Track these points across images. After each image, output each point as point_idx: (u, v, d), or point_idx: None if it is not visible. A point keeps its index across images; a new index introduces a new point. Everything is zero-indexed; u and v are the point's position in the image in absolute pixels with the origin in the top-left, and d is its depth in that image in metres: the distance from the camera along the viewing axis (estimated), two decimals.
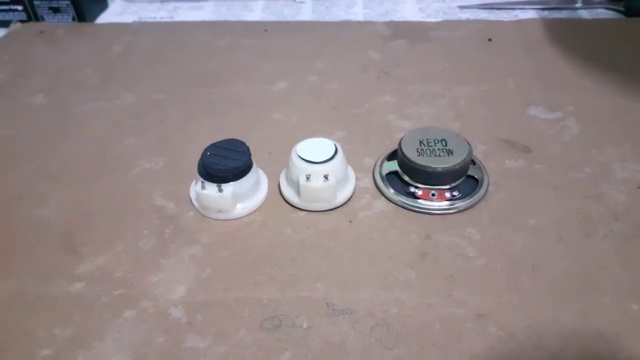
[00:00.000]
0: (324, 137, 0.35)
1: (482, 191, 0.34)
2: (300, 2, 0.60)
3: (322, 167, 0.33)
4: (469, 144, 0.34)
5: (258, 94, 0.45)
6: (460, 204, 0.33)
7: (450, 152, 0.33)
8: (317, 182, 0.32)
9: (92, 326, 0.28)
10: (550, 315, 0.28)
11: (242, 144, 0.34)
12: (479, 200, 0.34)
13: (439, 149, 0.34)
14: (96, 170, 0.38)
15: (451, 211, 0.33)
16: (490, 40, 0.50)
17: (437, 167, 0.33)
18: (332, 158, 0.33)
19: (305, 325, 0.28)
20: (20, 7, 0.57)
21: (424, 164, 0.33)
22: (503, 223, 0.33)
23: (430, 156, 0.33)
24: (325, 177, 0.32)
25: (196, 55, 0.51)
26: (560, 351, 0.26)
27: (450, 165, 0.33)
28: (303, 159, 0.33)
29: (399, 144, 0.34)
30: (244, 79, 0.47)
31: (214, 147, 0.34)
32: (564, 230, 0.32)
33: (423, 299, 0.29)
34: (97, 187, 0.36)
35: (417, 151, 0.34)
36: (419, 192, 0.33)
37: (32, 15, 0.57)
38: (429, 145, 0.34)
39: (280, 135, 0.40)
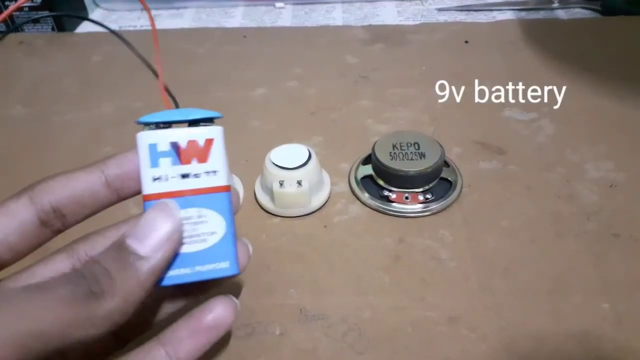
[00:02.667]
0: (301, 142, 0.35)
1: (455, 193, 0.34)
2: (280, 8, 0.60)
3: (296, 173, 0.33)
4: (442, 147, 0.34)
5: (237, 100, 0.45)
6: (433, 206, 0.33)
7: (422, 155, 0.33)
8: (290, 188, 0.32)
9: None
10: (522, 316, 0.28)
11: None
12: (453, 203, 0.34)
13: (411, 153, 0.34)
14: None
15: (425, 214, 0.33)
16: (467, 42, 0.51)
17: (410, 171, 0.33)
18: (305, 164, 0.33)
19: (277, 332, 0.28)
20: None
21: (396, 167, 0.33)
22: (476, 225, 0.33)
23: (403, 160, 0.33)
24: (299, 182, 0.33)
25: (176, 62, 0.51)
26: (532, 352, 0.27)
27: (423, 168, 0.33)
28: (276, 165, 0.33)
29: (373, 149, 0.35)
30: (223, 86, 0.47)
31: None
32: (537, 230, 0.32)
33: (396, 302, 0.29)
34: None
35: (390, 155, 0.34)
36: (393, 196, 0.34)
37: (11, 26, 0.57)
38: (402, 149, 0.34)
39: (258, 142, 0.40)
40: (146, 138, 0.20)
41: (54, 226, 0.21)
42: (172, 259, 0.20)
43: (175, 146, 0.20)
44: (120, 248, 0.19)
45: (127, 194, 0.22)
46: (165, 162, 0.20)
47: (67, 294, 0.17)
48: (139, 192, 0.21)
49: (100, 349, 0.23)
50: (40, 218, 0.21)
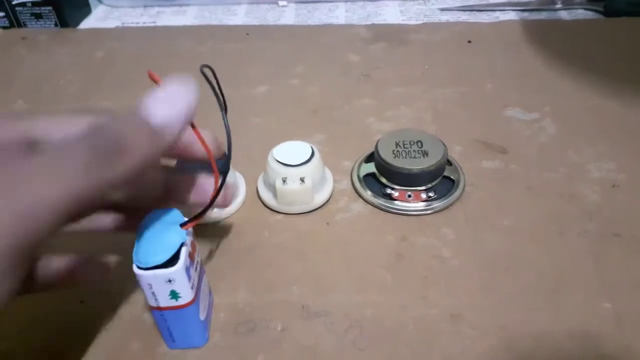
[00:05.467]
0: (303, 140, 0.35)
1: (458, 192, 0.34)
2: (284, 6, 0.60)
3: (299, 170, 0.33)
4: (445, 145, 0.34)
5: (239, 98, 0.45)
6: (436, 204, 0.33)
7: (425, 154, 0.34)
8: (293, 185, 0.33)
9: (68, 330, 0.28)
10: (523, 315, 0.28)
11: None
12: (455, 201, 0.34)
13: (414, 151, 0.34)
14: None
15: (427, 212, 0.33)
16: (469, 42, 0.51)
17: (413, 169, 0.33)
18: (308, 161, 0.33)
19: (279, 328, 0.28)
20: (2, 14, 0.56)
21: (399, 165, 0.33)
22: (478, 223, 0.33)
23: (406, 158, 0.33)
24: (302, 179, 0.33)
25: (178, 60, 0.51)
26: (532, 351, 0.27)
27: (426, 166, 0.33)
28: (279, 162, 0.33)
29: (376, 146, 0.35)
30: (225, 84, 0.47)
31: None
32: (538, 230, 0.32)
33: (397, 300, 0.29)
34: None
35: (393, 153, 0.34)
36: (396, 194, 0.34)
37: (15, 22, 0.57)
38: (404, 147, 0.34)
39: (260, 139, 0.40)
40: (145, 279, 0.23)
41: None
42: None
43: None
44: (135, 117, 0.20)
45: None
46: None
47: (86, 158, 0.18)
48: None
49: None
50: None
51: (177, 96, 0.20)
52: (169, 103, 0.20)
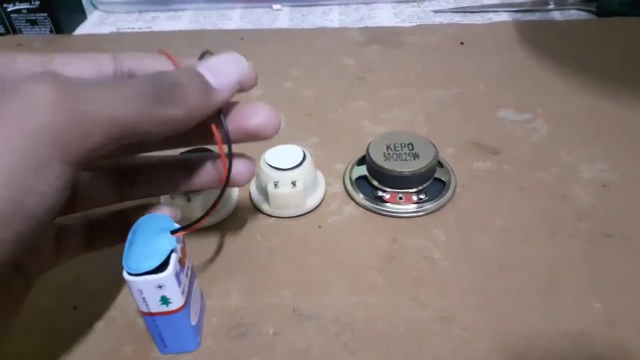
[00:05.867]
0: (297, 143, 0.35)
1: (449, 193, 0.34)
2: (278, 10, 0.60)
3: (290, 174, 0.33)
4: (435, 147, 0.34)
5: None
6: (427, 206, 0.33)
7: (416, 156, 0.34)
8: (285, 189, 0.33)
9: (60, 335, 0.28)
10: (515, 316, 0.28)
11: (211, 153, 0.34)
12: (446, 203, 0.34)
13: (405, 153, 0.34)
14: None
15: (419, 214, 0.33)
16: (462, 43, 0.51)
17: (404, 171, 0.33)
18: (299, 164, 0.33)
19: (271, 332, 0.28)
20: None
21: (390, 168, 0.33)
22: (469, 225, 0.33)
23: (397, 160, 0.34)
24: (293, 183, 0.33)
25: None
26: (524, 352, 0.27)
27: (416, 168, 0.33)
28: (271, 166, 0.33)
29: (367, 149, 0.35)
30: None
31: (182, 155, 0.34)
32: (530, 230, 0.32)
33: (389, 302, 0.29)
34: None
35: (384, 156, 0.34)
36: (387, 196, 0.34)
37: (10, 28, 0.57)
38: (395, 150, 0.34)
39: (254, 143, 0.40)
40: (135, 284, 0.23)
41: None
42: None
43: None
44: (194, 72, 0.21)
45: None
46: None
47: (146, 92, 0.19)
48: None
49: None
50: (116, 76, 0.22)
51: (232, 62, 0.22)
52: (225, 66, 0.22)
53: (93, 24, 0.60)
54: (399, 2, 0.60)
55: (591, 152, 0.38)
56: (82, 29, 0.59)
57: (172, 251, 0.24)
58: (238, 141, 0.24)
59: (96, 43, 0.56)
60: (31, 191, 0.17)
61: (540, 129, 0.40)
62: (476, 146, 0.39)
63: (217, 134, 0.23)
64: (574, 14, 0.56)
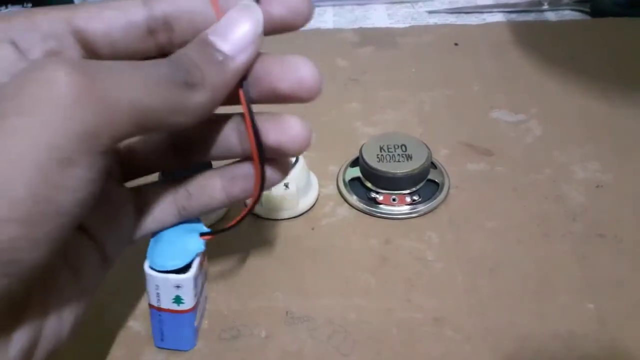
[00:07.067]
0: None
1: (442, 195, 0.34)
2: None
3: None
4: (429, 149, 0.34)
5: None
6: (420, 207, 0.33)
7: (409, 157, 0.34)
8: (277, 191, 0.33)
9: None
10: (507, 317, 0.28)
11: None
12: (440, 204, 0.34)
13: (398, 155, 0.34)
14: None
15: (412, 215, 0.33)
16: (456, 44, 0.51)
17: (397, 172, 0.33)
18: (292, 166, 0.33)
19: (263, 335, 0.28)
20: None
21: (383, 169, 0.33)
22: (463, 226, 0.33)
23: (390, 162, 0.33)
24: (286, 185, 0.33)
25: None
26: (516, 353, 0.27)
27: (409, 170, 0.33)
28: None
29: (360, 151, 0.35)
30: None
31: None
32: (523, 231, 0.32)
33: (381, 304, 0.29)
34: None
35: (377, 157, 0.34)
36: (380, 198, 0.34)
37: None
38: (389, 151, 0.34)
39: None
40: (154, 280, 0.24)
41: (160, 39, 0.20)
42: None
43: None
44: (205, 44, 0.19)
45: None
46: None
47: (166, 78, 0.17)
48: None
49: (161, 160, 0.24)
50: (149, 24, 0.20)
51: (242, 17, 0.19)
52: (234, 24, 0.19)
53: None
54: (393, 2, 0.60)
55: (584, 152, 0.38)
56: None
57: (197, 254, 0.24)
58: (272, 102, 0.21)
59: None
60: (59, 187, 0.15)
61: (534, 129, 0.40)
62: (470, 147, 0.39)
63: (247, 115, 0.20)
64: (567, 15, 0.56)
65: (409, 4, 0.60)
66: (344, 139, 0.40)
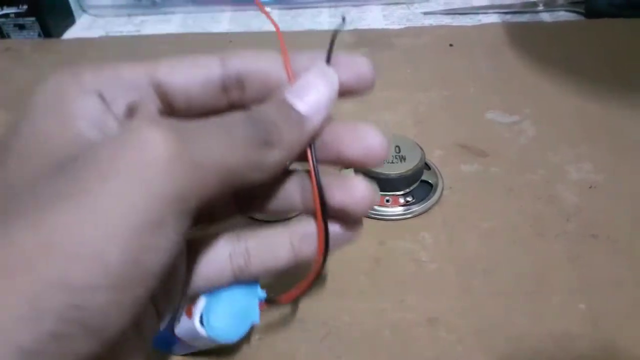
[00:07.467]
0: None
1: (436, 196, 0.34)
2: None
3: None
4: (422, 150, 0.34)
5: None
6: (414, 209, 0.33)
7: (403, 159, 0.34)
8: None
9: None
10: (500, 318, 0.28)
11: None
12: (434, 205, 0.34)
13: (392, 156, 0.34)
14: None
15: (406, 216, 0.33)
16: (451, 45, 0.51)
17: (390, 174, 0.33)
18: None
19: (257, 337, 0.28)
20: None
21: (377, 170, 0.33)
22: (456, 227, 0.33)
23: (384, 163, 0.33)
24: None
25: None
26: (509, 353, 0.27)
27: (403, 171, 0.33)
28: None
29: None
30: None
31: None
32: (517, 232, 0.32)
33: (375, 305, 0.29)
34: None
35: None
36: None
37: None
38: None
39: None
40: (200, 336, 0.22)
41: (232, 95, 0.21)
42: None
43: None
44: (283, 103, 0.19)
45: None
46: None
47: (247, 137, 0.18)
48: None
49: (220, 210, 0.23)
50: (224, 81, 0.20)
51: (319, 80, 0.20)
52: (311, 87, 0.20)
53: (82, 28, 0.60)
54: (389, 4, 0.60)
55: (578, 153, 0.38)
56: (71, 33, 0.59)
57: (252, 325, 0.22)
58: (335, 165, 0.21)
59: (84, 47, 0.55)
60: (149, 250, 0.15)
61: (528, 130, 0.40)
62: (464, 148, 0.39)
63: (313, 175, 0.20)
64: (562, 16, 0.56)
65: (404, 5, 0.60)
66: None
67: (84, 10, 0.62)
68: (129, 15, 0.62)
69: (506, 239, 0.32)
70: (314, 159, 0.20)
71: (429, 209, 0.34)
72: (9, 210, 0.15)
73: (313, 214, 0.20)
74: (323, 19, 0.58)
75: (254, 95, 0.21)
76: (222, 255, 0.21)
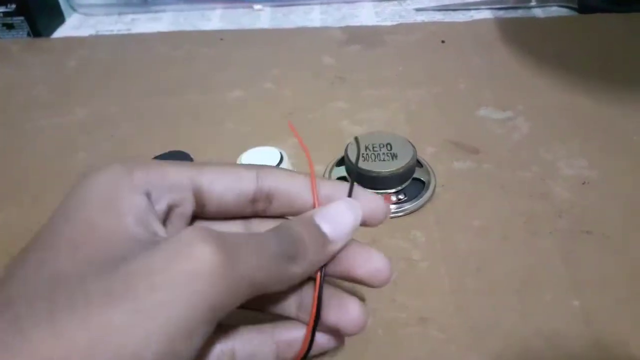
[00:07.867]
0: (277, 144, 0.35)
1: (428, 193, 0.34)
2: (259, 10, 0.60)
3: None
4: (414, 147, 0.34)
5: (212, 103, 0.45)
6: (406, 206, 0.33)
7: (394, 156, 0.33)
8: None
9: None
10: (493, 316, 0.28)
11: (186, 155, 0.33)
12: (426, 203, 0.34)
13: (383, 154, 0.34)
14: (46, 188, 0.37)
15: (398, 214, 0.33)
16: (443, 42, 0.51)
17: (382, 172, 0.33)
18: (276, 166, 0.33)
19: None
20: None
21: (368, 168, 0.33)
22: (449, 225, 0.33)
23: (375, 161, 0.33)
24: None
25: (152, 66, 0.51)
26: (501, 351, 0.26)
27: (395, 169, 0.33)
28: None
29: (345, 150, 0.34)
30: (199, 89, 0.47)
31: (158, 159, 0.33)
32: (510, 229, 0.32)
33: (367, 304, 0.28)
34: (47, 204, 0.36)
35: (363, 156, 0.34)
36: None
37: None
38: (374, 150, 0.34)
39: (233, 144, 0.40)
40: None
41: (258, 207, 0.22)
42: None
43: None
44: (311, 224, 0.21)
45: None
46: None
47: (277, 252, 0.19)
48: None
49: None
50: (255, 194, 0.22)
51: (348, 211, 0.22)
52: (341, 216, 0.21)
53: (72, 27, 0.59)
54: (381, 0, 0.60)
55: (571, 149, 0.37)
56: (61, 32, 0.58)
57: None
58: (341, 279, 0.23)
59: (73, 46, 0.55)
60: (175, 355, 0.16)
61: (521, 127, 0.40)
62: (456, 145, 0.38)
63: (316, 296, 0.21)
64: (555, 11, 0.56)
65: (396, 2, 0.59)
66: (330, 138, 0.40)
67: (73, 9, 0.62)
68: (119, 13, 0.61)
69: (498, 236, 0.32)
70: (322, 280, 0.21)
71: (421, 206, 0.34)
72: (57, 300, 0.15)
73: (304, 323, 0.22)
74: (314, 16, 0.58)
75: (278, 211, 0.23)
76: (213, 354, 0.22)
